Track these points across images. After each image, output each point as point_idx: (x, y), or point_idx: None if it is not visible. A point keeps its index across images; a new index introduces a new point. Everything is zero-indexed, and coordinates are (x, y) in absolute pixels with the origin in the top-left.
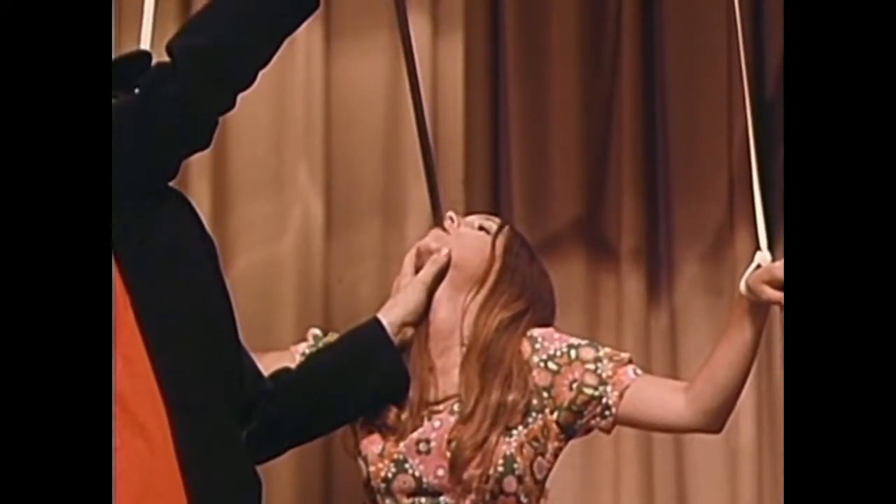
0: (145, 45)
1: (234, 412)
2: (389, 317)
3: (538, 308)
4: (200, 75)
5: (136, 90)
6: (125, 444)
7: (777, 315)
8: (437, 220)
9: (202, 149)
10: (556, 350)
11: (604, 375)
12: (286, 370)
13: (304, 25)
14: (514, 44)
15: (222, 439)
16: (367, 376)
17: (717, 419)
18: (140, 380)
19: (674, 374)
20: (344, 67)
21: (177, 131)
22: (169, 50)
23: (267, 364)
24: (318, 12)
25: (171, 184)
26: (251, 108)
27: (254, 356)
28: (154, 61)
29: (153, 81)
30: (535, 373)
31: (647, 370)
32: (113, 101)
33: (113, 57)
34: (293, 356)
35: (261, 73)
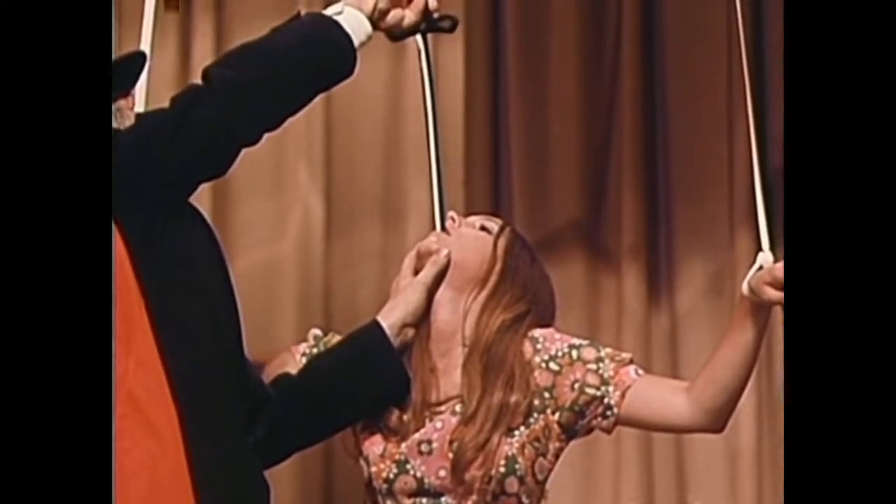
0: (145, 45)
1: (241, 418)
2: (390, 318)
3: (539, 309)
4: (236, 105)
5: (169, 104)
6: (137, 444)
7: (778, 316)
8: (442, 224)
9: (219, 175)
10: (557, 350)
11: (605, 375)
12: (287, 375)
13: None
14: (514, 44)
15: (231, 443)
16: (367, 380)
17: (718, 419)
18: (152, 381)
19: (674, 375)
20: None
21: (204, 154)
22: (206, 75)
23: (269, 369)
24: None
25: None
26: None
27: (256, 360)
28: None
29: (190, 101)
30: (536, 373)
31: (648, 371)
32: (138, 111)
33: (113, 57)
34: (294, 356)
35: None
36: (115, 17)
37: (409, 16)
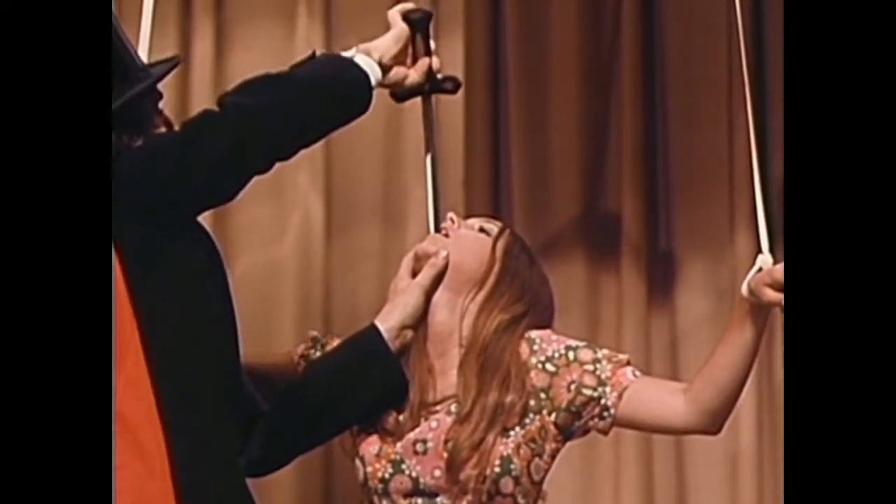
0: (145, 45)
1: (232, 438)
2: (388, 322)
3: (537, 311)
4: (249, 132)
5: (180, 127)
6: (125, 464)
7: (778, 317)
8: (437, 226)
9: (227, 201)
10: (554, 351)
11: (602, 376)
12: (286, 382)
13: (304, 27)
14: (514, 44)
15: (219, 466)
16: (366, 384)
17: (716, 420)
18: (142, 403)
19: (674, 376)
20: None
21: (211, 179)
22: (221, 102)
23: (268, 371)
24: (318, 14)
25: None
26: None
27: (255, 362)
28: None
29: (201, 126)
30: (532, 374)
31: (647, 372)
32: (160, 133)
33: (111, 56)
34: (293, 358)
35: (258, 67)
36: (115, 17)
37: (413, 76)
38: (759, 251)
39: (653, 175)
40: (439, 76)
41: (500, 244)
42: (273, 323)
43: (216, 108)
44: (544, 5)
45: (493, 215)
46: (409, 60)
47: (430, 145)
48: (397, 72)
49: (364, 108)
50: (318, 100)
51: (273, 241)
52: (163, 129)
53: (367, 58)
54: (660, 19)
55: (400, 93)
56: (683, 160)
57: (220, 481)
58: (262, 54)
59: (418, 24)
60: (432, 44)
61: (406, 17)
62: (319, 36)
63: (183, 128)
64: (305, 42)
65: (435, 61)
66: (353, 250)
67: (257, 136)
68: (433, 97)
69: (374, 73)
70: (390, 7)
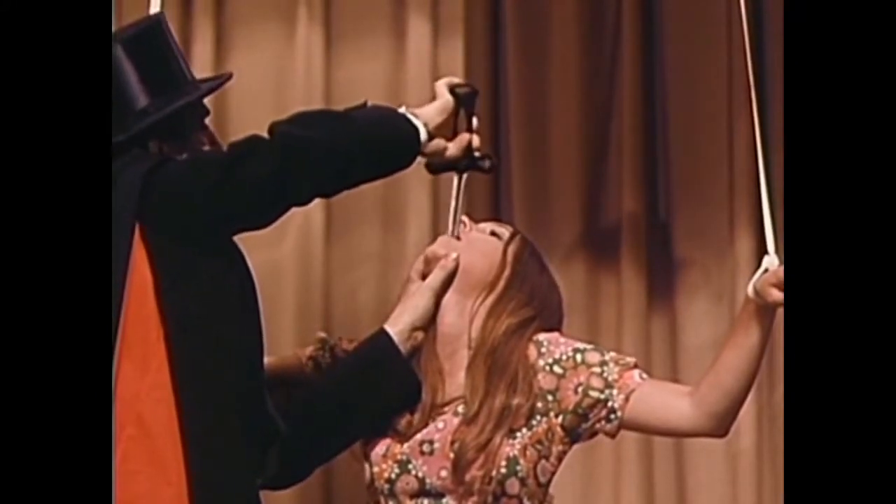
0: None
1: (250, 455)
2: (399, 324)
3: (545, 316)
4: (294, 163)
5: (227, 148)
6: (142, 468)
7: (779, 319)
8: (454, 231)
9: (262, 227)
10: (561, 354)
11: (609, 379)
12: (301, 395)
13: (304, 28)
14: (514, 45)
15: (235, 479)
16: (381, 390)
17: (722, 423)
18: (163, 408)
19: (674, 379)
20: (344, 71)
21: (249, 206)
22: (271, 129)
23: (276, 373)
24: (318, 16)
25: None
26: (252, 111)
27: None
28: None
29: (246, 151)
30: (540, 376)
31: (648, 373)
32: (207, 150)
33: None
34: (301, 359)
35: (258, 69)
36: (116, 18)
37: (452, 149)
38: (765, 252)
39: (653, 177)
40: (476, 154)
41: (511, 248)
42: (273, 325)
43: (265, 135)
44: (544, 7)
45: (494, 218)
46: (449, 134)
47: (455, 220)
48: (438, 142)
49: (410, 161)
50: (368, 143)
51: (273, 242)
52: (207, 146)
53: (415, 118)
54: (660, 20)
55: (436, 164)
56: (683, 162)
57: (234, 495)
58: (262, 56)
59: (464, 99)
60: (475, 121)
61: (453, 90)
62: (319, 37)
63: (230, 149)
64: (305, 43)
65: (475, 139)
66: (352, 252)
67: (301, 168)
68: (466, 174)
69: (423, 131)
70: (390, 9)
